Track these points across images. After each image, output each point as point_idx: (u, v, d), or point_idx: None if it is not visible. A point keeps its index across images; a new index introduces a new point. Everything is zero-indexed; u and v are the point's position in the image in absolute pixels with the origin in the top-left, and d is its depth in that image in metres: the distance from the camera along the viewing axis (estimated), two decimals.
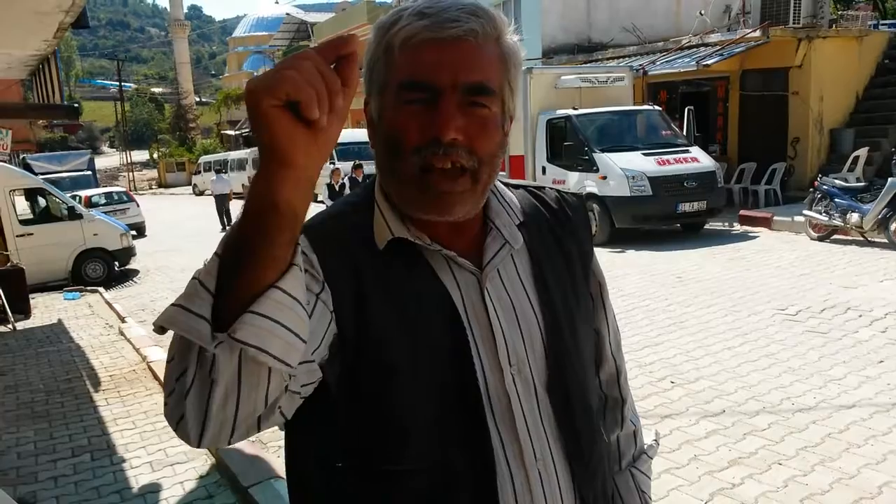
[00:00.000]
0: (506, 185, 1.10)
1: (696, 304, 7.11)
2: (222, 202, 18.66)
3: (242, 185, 29.29)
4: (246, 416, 0.76)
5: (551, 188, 1.17)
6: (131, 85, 76.94)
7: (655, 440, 1.29)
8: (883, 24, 17.38)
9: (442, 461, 0.94)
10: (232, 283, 0.74)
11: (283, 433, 1.04)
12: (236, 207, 19.75)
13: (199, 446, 0.78)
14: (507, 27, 0.95)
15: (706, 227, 11.62)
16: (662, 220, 11.19)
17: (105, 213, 15.13)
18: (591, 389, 1.13)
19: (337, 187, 11.83)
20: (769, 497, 3.42)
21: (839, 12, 18.10)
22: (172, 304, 0.74)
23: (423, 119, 0.90)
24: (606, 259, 9.65)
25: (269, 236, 0.73)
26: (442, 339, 0.95)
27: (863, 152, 12.26)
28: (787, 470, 3.66)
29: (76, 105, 11.61)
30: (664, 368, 5.32)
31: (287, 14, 36.66)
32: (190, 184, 29.87)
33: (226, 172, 24.50)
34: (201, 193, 33.35)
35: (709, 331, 6.19)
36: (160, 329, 0.75)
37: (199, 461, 4.27)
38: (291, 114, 0.68)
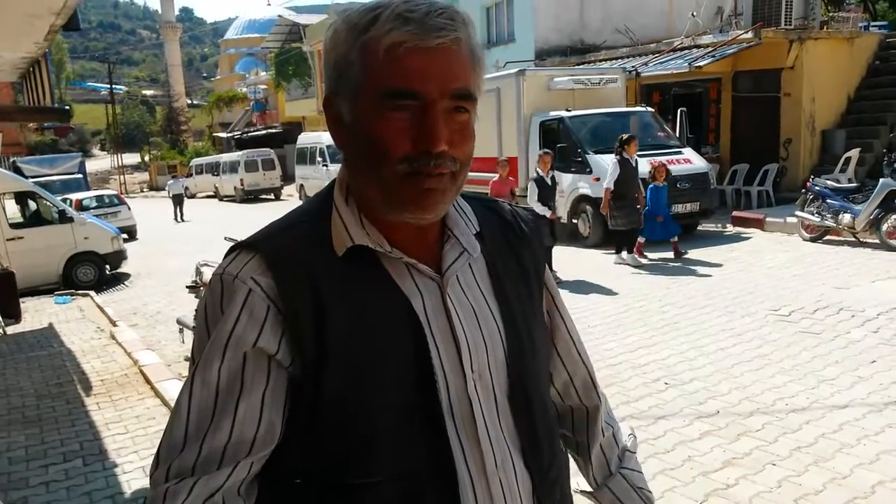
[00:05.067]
0: (462, 196, 1.08)
1: (689, 306, 7.12)
2: (178, 200, 23.90)
3: (235, 187, 29.25)
4: None
5: (503, 202, 1.18)
6: (122, 87, 76.65)
7: (631, 434, 1.30)
8: (873, 26, 17.46)
9: (405, 471, 0.93)
10: None
11: None
12: (187, 204, 19.56)
13: None
14: (475, 30, 0.96)
15: (699, 228, 11.64)
16: None
17: (96, 216, 15.04)
18: (549, 400, 1.13)
19: (549, 180, 8.89)
20: (763, 497, 3.42)
21: (830, 14, 18.20)
22: None
23: (411, 129, 0.89)
24: (600, 261, 9.67)
25: None
26: (403, 347, 0.94)
27: (854, 153, 12.33)
28: (780, 470, 3.67)
29: (67, 107, 11.53)
30: (658, 370, 5.32)
31: (279, 16, 36.47)
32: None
33: (179, 177, 28.46)
34: (193, 196, 33.26)
35: (702, 332, 6.20)
36: None
37: None
38: None
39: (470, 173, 0.97)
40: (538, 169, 8.87)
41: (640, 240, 9.58)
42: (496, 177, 9.38)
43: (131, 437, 4.81)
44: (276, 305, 0.90)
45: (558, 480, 1.09)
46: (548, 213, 8.51)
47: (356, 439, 0.92)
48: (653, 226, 9.57)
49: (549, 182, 8.82)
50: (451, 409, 0.95)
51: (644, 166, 9.79)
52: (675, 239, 9.61)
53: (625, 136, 9.64)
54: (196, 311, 6.12)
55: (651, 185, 9.61)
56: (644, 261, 9.51)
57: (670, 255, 9.61)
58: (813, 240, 9.90)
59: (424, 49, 0.88)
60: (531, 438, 1.03)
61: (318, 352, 0.90)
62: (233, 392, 0.91)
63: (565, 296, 7.06)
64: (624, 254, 9.57)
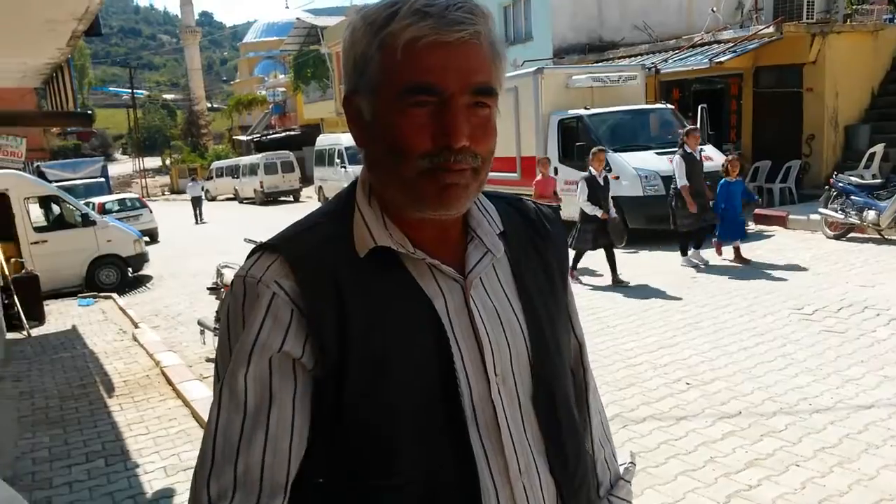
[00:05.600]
0: (484, 195, 1.08)
1: (711, 305, 7.04)
2: (197, 202, 24.39)
3: (255, 189, 29.45)
4: None
5: (528, 201, 1.16)
6: (143, 92, 77.60)
7: (631, 462, 1.25)
8: None
9: (428, 475, 0.92)
10: None
11: None
12: (207, 206, 19.82)
13: None
14: (494, 24, 0.95)
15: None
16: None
17: (118, 219, 15.22)
18: (573, 402, 1.10)
19: (601, 179, 8.47)
20: (787, 499, 3.37)
21: (853, 7, 17.92)
22: None
23: (432, 125, 0.89)
24: (620, 260, 9.58)
25: None
26: (425, 349, 0.93)
27: (879, 149, 12.11)
28: (804, 471, 3.61)
29: (89, 112, 11.68)
30: (679, 370, 5.27)
31: (297, 19, 36.68)
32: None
33: (198, 180, 28.97)
34: (213, 199, 33.53)
35: (724, 331, 6.13)
36: None
37: None
38: None
39: (490, 174, 0.96)
40: (591, 167, 8.47)
41: (738, 242, 8.87)
42: (541, 175, 9.43)
43: (153, 438, 4.86)
44: (300, 309, 0.89)
45: (584, 485, 1.07)
46: (599, 214, 8.25)
47: (378, 441, 0.91)
48: (725, 227, 8.92)
49: (602, 181, 8.43)
50: (473, 413, 0.94)
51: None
52: (740, 242, 8.92)
53: (687, 128, 9.23)
54: (218, 312, 6.18)
55: (723, 181, 9.00)
56: (720, 259, 8.95)
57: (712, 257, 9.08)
58: (837, 237, 9.74)
59: (444, 43, 0.87)
60: (556, 442, 1.01)
61: (340, 353, 0.90)
62: (263, 402, 0.89)
63: (586, 294, 6.99)
64: (690, 252, 9.01)
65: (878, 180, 10.16)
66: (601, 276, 8.85)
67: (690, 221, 8.85)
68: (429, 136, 0.89)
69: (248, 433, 0.89)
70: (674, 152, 11.11)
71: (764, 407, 4.48)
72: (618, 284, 8.26)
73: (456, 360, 0.93)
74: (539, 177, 9.56)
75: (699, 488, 3.54)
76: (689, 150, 8.89)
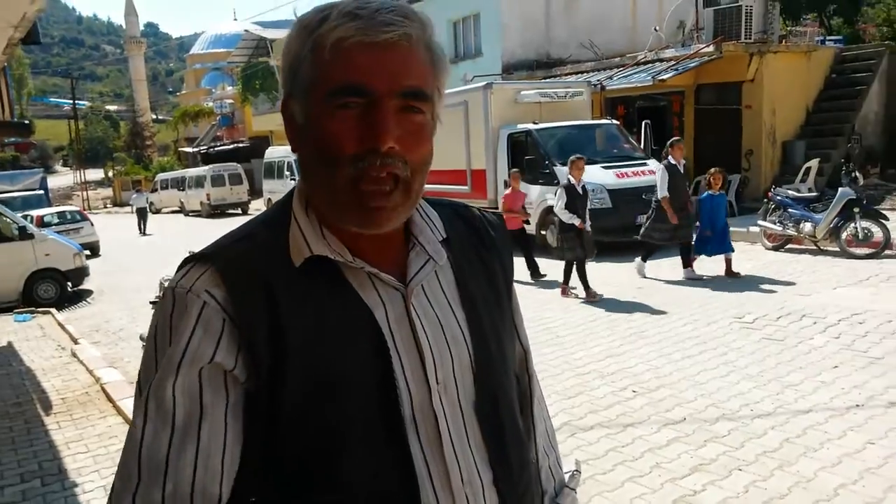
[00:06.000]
0: (428, 201, 1.06)
1: (656, 314, 7.19)
2: (142, 213, 24.21)
3: (201, 202, 28.91)
4: None
5: (473, 207, 1.15)
6: (86, 103, 75.59)
7: (576, 469, 1.24)
8: (829, 40, 17.95)
9: (369, 489, 0.90)
10: None
11: None
12: (152, 219, 19.41)
13: None
14: (434, 32, 0.93)
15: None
16: (622, 232, 11.28)
17: (58, 232, 14.73)
18: (517, 409, 1.09)
19: (580, 188, 8.23)
20: (730, 503, 3.45)
21: (788, 28, 18.65)
22: None
23: (359, 126, 0.87)
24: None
25: None
26: (365, 361, 0.91)
27: (814, 163, 12.62)
28: (747, 475, 3.70)
29: (27, 122, 11.32)
30: (626, 378, 5.35)
31: (245, 30, 36.24)
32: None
33: (143, 191, 27.97)
34: (158, 211, 32.80)
35: (669, 340, 6.26)
36: None
37: None
38: None
39: (440, 186, 0.95)
40: (570, 175, 8.27)
41: (730, 255, 8.69)
42: (510, 189, 9.49)
43: (92, 456, 4.69)
44: (232, 319, 0.86)
45: (528, 493, 1.06)
46: (577, 223, 8.07)
47: (317, 454, 0.88)
48: (705, 240, 8.73)
49: (581, 190, 8.19)
50: (414, 423, 0.92)
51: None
52: (731, 255, 8.69)
53: (671, 140, 9.01)
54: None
55: (706, 194, 8.90)
56: (700, 275, 8.71)
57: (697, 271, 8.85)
58: (775, 248, 10.08)
59: (371, 44, 0.86)
60: (499, 451, 1.00)
61: (275, 366, 0.86)
62: (193, 415, 0.84)
63: (534, 305, 7.04)
64: (639, 262, 9.06)
65: (814, 194, 10.57)
66: (553, 286, 8.94)
67: (663, 235, 8.77)
68: (355, 139, 0.87)
69: (177, 448, 0.83)
70: (619, 166, 11.41)
71: (707, 413, 4.58)
72: (593, 297, 8.04)
73: (396, 369, 0.91)
74: (508, 191, 9.54)
75: (645, 494, 3.59)
76: (672, 162, 8.74)
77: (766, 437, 4.15)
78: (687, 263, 8.78)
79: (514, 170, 10.21)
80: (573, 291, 8.40)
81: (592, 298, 8.04)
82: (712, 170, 9.04)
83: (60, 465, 4.60)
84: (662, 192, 8.68)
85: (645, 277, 9.03)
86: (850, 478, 3.58)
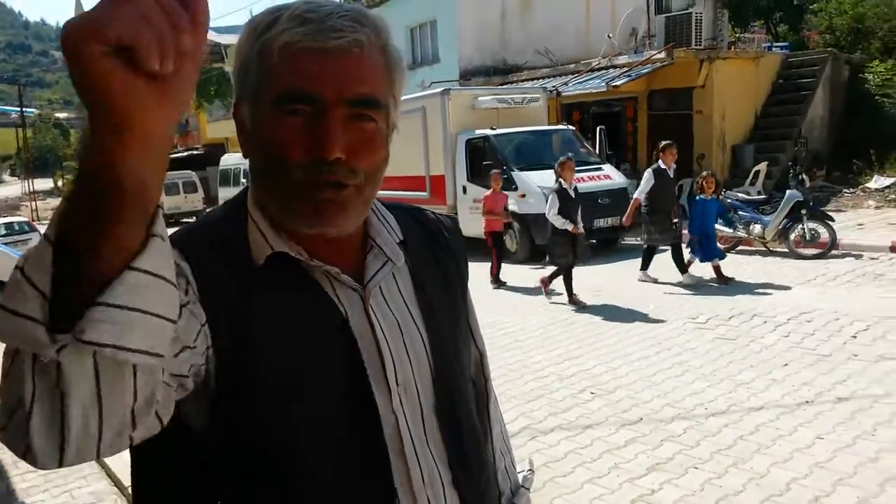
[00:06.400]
0: (383, 205, 1.06)
1: (612, 316, 7.29)
2: None
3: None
4: (115, 426, 0.64)
5: (428, 210, 1.15)
6: (34, 110, 73.58)
7: (530, 469, 1.26)
8: (776, 47, 18.47)
9: (335, 490, 0.89)
10: (71, 273, 0.59)
11: None
12: None
13: (59, 467, 0.65)
14: (391, 36, 0.91)
15: (621, 242, 11.96)
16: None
17: (5, 244, 14.31)
18: (474, 409, 1.10)
19: (572, 191, 7.90)
20: (687, 501, 3.51)
21: (736, 35, 19.13)
22: None
23: (305, 134, 0.85)
24: (528, 275, 9.79)
25: (114, 221, 0.58)
26: (334, 358, 0.90)
27: (763, 167, 12.96)
28: (702, 473, 3.77)
29: None
30: (584, 380, 5.42)
31: None
32: None
33: None
34: None
35: (625, 341, 6.35)
36: None
37: (109, 501, 4.06)
38: (125, 63, 0.54)
39: (399, 193, 0.94)
40: (560, 179, 7.86)
41: (717, 261, 8.45)
42: (491, 191, 9.32)
43: (42, 476, 4.54)
44: (197, 291, 0.79)
45: (487, 494, 1.08)
46: (570, 228, 7.75)
47: (287, 459, 0.87)
48: (706, 244, 8.50)
49: (573, 193, 7.88)
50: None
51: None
52: (719, 262, 8.47)
53: (662, 144, 8.71)
54: None
55: (697, 198, 8.62)
56: (699, 277, 8.49)
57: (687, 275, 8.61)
58: (726, 250, 10.25)
59: (320, 49, 0.84)
60: (458, 452, 1.00)
61: (236, 359, 0.83)
62: None
63: (493, 309, 7.06)
64: (641, 274, 8.79)
65: (763, 196, 10.86)
66: (515, 290, 9.00)
67: (658, 237, 8.62)
68: (302, 147, 0.85)
69: None
70: (576, 171, 11.52)
71: (663, 413, 4.66)
72: (576, 304, 7.83)
73: (368, 367, 0.91)
74: (489, 192, 9.41)
75: (604, 495, 3.64)
76: (662, 167, 8.57)
77: (720, 434, 4.24)
78: (683, 269, 8.52)
79: (495, 171, 9.98)
80: (580, 299, 7.92)
81: (576, 305, 7.83)
82: (704, 173, 8.89)
83: (9, 485, 4.46)
84: (639, 194, 8.58)
85: (657, 282, 8.69)
86: (801, 472, 3.68)
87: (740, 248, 10.20)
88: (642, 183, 8.62)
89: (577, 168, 11.50)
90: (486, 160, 11.67)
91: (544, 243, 8.94)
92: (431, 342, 1.00)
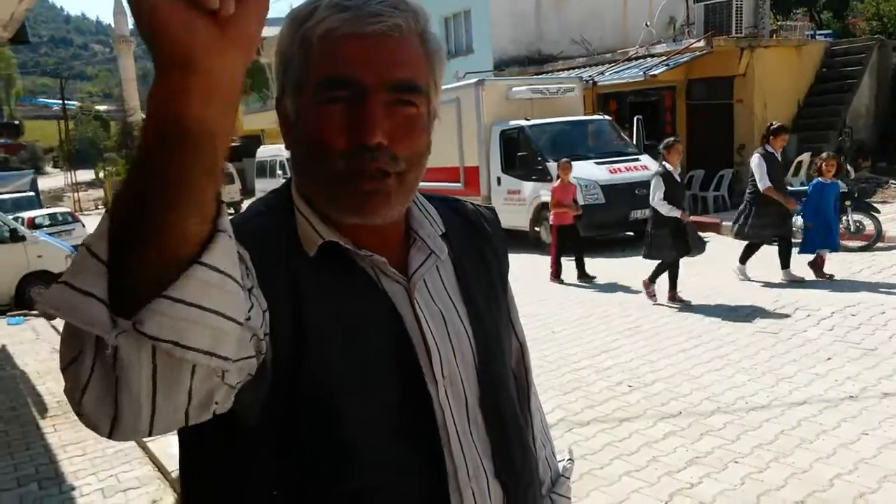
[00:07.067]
0: (424, 196, 1.05)
1: (650, 309, 7.21)
2: None
3: None
4: (167, 415, 0.63)
5: (467, 201, 1.15)
6: (75, 103, 75.14)
7: (570, 459, 1.26)
8: (819, 34, 18.03)
9: (388, 480, 0.89)
10: (135, 246, 0.57)
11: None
12: None
13: (111, 438, 0.64)
14: (430, 22, 0.91)
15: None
16: (616, 228, 11.35)
17: (49, 234, 14.69)
18: (516, 403, 1.09)
19: (677, 175, 7.21)
20: (727, 495, 3.47)
21: (778, 23, 18.71)
22: (58, 281, 0.60)
23: (346, 121, 0.84)
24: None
25: (181, 171, 0.57)
26: (388, 351, 0.90)
27: (806, 157, 12.65)
28: (742, 468, 3.72)
29: (16, 123, 11.29)
30: (621, 373, 5.38)
31: None
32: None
33: None
34: None
35: (663, 334, 6.29)
36: (47, 314, 0.63)
37: (153, 485, 4.15)
38: (186, 2, 0.54)
39: (434, 184, 0.94)
40: (665, 162, 7.19)
41: (826, 253, 7.69)
42: (559, 182, 8.88)
43: (90, 459, 4.68)
44: (252, 273, 0.75)
45: (531, 485, 1.07)
46: (678, 215, 7.03)
47: (342, 449, 0.86)
48: (813, 234, 7.69)
49: (678, 178, 7.21)
50: None
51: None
52: (828, 254, 7.71)
53: (773, 126, 7.80)
54: None
55: (815, 181, 7.84)
56: (800, 276, 7.70)
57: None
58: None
59: (359, 35, 0.84)
60: (502, 444, 1.00)
61: (293, 349, 0.83)
62: None
63: (529, 301, 7.04)
64: (739, 267, 8.04)
65: (805, 187, 10.59)
66: (545, 282, 8.96)
67: (763, 233, 7.79)
68: (344, 134, 0.84)
69: None
70: (612, 162, 11.43)
71: (703, 407, 4.60)
72: (679, 302, 7.20)
73: (421, 358, 0.91)
74: (557, 183, 9.00)
75: (643, 488, 3.61)
76: (770, 150, 7.61)
77: (761, 429, 4.18)
78: (786, 264, 7.78)
79: (565, 160, 9.31)
80: (654, 293, 7.43)
81: (679, 303, 7.18)
82: (824, 154, 8.13)
83: (57, 468, 4.59)
84: (764, 182, 7.46)
85: (749, 280, 8.01)
86: (845, 468, 3.61)
87: None
88: (757, 171, 7.54)
89: (613, 159, 11.53)
90: (520, 151, 11.63)
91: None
92: (475, 335, 0.99)
